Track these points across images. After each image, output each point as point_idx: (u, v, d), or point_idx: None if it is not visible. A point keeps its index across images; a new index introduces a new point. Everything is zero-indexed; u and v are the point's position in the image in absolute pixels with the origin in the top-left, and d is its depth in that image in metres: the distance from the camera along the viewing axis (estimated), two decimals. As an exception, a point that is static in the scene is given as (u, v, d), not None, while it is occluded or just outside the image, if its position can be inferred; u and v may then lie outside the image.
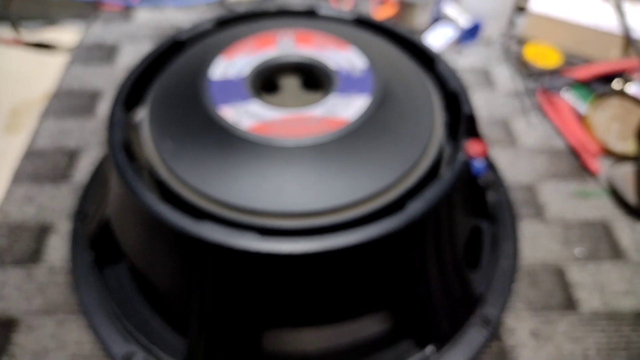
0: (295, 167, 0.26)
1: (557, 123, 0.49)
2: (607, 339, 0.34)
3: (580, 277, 0.37)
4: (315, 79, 0.32)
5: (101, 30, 0.59)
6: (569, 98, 0.51)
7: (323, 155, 0.26)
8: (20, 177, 0.42)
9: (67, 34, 0.58)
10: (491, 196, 0.34)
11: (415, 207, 0.25)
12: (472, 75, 0.55)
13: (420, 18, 0.57)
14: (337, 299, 0.26)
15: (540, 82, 0.53)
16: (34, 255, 0.36)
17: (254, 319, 0.26)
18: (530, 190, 0.43)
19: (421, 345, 0.31)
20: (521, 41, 0.59)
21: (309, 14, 0.38)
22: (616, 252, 0.39)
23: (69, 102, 0.49)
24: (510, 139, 0.48)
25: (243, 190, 0.25)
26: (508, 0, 0.58)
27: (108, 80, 0.52)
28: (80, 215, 0.38)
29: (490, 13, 0.58)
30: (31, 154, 0.44)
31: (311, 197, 0.25)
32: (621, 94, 0.50)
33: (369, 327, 0.31)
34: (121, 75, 0.53)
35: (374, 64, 0.31)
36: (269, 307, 0.26)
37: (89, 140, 0.45)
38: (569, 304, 0.36)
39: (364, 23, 0.37)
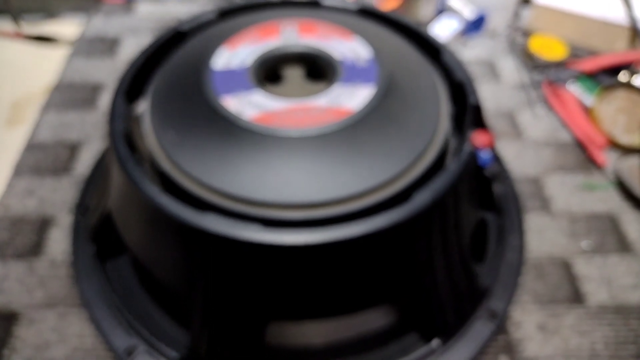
0: (299, 157, 0.25)
1: (563, 115, 0.48)
2: (614, 333, 0.33)
3: (587, 270, 0.37)
4: (319, 69, 0.31)
5: (102, 23, 0.58)
6: (575, 90, 0.51)
7: (327, 145, 0.26)
8: (21, 170, 0.42)
9: (68, 27, 0.58)
10: (497, 188, 0.34)
11: (421, 198, 0.24)
12: (477, 68, 0.54)
13: (424, 10, 0.56)
14: (341, 291, 0.26)
15: (545, 75, 0.52)
16: (35, 249, 0.36)
17: (257, 312, 0.26)
18: (536, 183, 0.43)
19: (427, 339, 0.31)
20: (526, 33, 0.58)
21: (313, 4, 0.37)
22: (623, 245, 0.39)
23: (70, 95, 0.49)
24: (515, 131, 0.47)
25: (246, 181, 0.24)
26: (513, -9, 0.57)
27: (109, 73, 0.52)
28: (81, 208, 0.37)
29: (496, 5, 0.57)
30: (32, 147, 0.44)
31: (315, 188, 0.24)
32: (628, 86, 0.49)
33: (374, 320, 0.30)
34: (122, 68, 0.52)
35: (379, 54, 0.31)
36: (273, 300, 0.25)
37: (90, 133, 0.45)
38: (576, 297, 0.35)
39: (368, 13, 0.37)
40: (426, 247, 0.26)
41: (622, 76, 0.53)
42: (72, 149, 0.43)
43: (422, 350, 0.30)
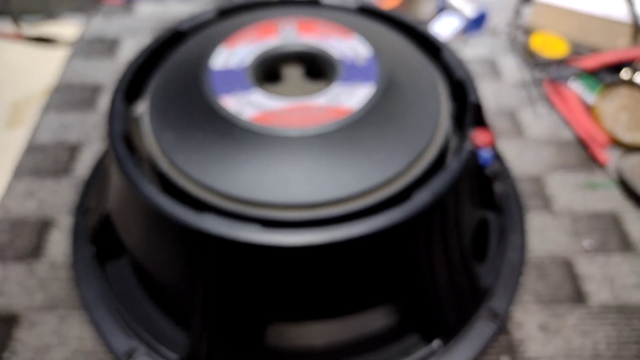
0: (298, 157, 0.25)
1: (564, 113, 0.48)
2: (617, 333, 0.33)
3: (590, 269, 0.37)
4: (318, 68, 0.31)
5: (102, 24, 0.58)
6: (577, 88, 0.50)
7: (327, 145, 0.25)
8: (21, 171, 0.42)
9: (67, 28, 0.58)
10: (498, 187, 0.33)
11: (421, 198, 0.24)
12: (478, 66, 0.54)
13: (425, 8, 0.56)
14: (342, 292, 0.25)
15: (547, 72, 0.52)
16: (35, 251, 0.36)
17: (257, 313, 0.26)
18: (537, 182, 0.42)
19: (428, 339, 0.31)
20: (528, 31, 0.58)
21: (312, 3, 0.37)
22: (626, 245, 0.38)
23: (70, 96, 0.49)
24: (517, 129, 0.47)
25: (245, 182, 0.24)
26: (514, -11, 0.57)
27: (109, 74, 0.52)
28: (81, 209, 0.37)
29: (496, 3, 0.57)
30: (32, 149, 0.44)
31: (315, 188, 0.24)
32: (630, 83, 0.48)
33: (375, 321, 0.30)
34: (122, 68, 0.52)
35: (379, 53, 0.30)
36: (273, 301, 0.25)
37: (90, 135, 0.45)
38: (578, 297, 0.35)
39: (368, 12, 0.37)
40: (426, 247, 0.26)
41: (624, 73, 0.52)
42: (72, 151, 0.43)
43: (423, 351, 0.30)
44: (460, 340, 0.31)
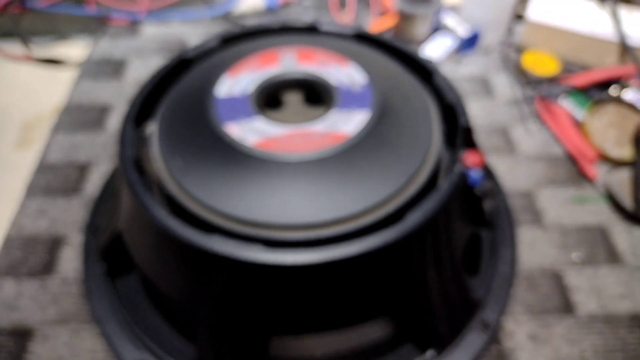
0: (298, 181, 0.27)
1: (554, 130, 0.50)
2: (603, 342, 0.35)
3: (578, 281, 0.38)
4: (317, 94, 0.33)
5: (109, 45, 0.60)
6: (567, 105, 0.52)
7: (325, 169, 0.27)
8: (32, 190, 0.44)
9: (75, 49, 0.60)
10: (489, 204, 0.35)
11: (413, 218, 0.26)
12: (471, 84, 0.56)
13: (420, 28, 0.58)
14: (340, 306, 0.27)
15: (538, 90, 0.54)
16: (48, 267, 0.38)
17: (261, 327, 0.27)
18: (528, 197, 0.44)
19: (422, 349, 0.32)
20: (519, 49, 0.60)
21: (311, 30, 0.39)
22: (613, 257, 0.40)
23: (78, 116, 0.51)
24: (509, 146, 0.49)
25: (249, 204, 0.26)
26: (506, 9, 0.59)
27: (116, 94, 0.54)
28: (91, 227, 0.39)
29: (489, 22, 0.59)
30: (43, 168, 0.46)
31: (314, 210, 0.26)
32: (618, 100, 0.50)
33: (372, 332, 0.32)
34: (129, 89, 0.54)
35: (374, 79, 0.32)
36: (275, 315, 0.27)
37: (99, 154, 0.47)
38: (567, 307, 0.37)
39: (363, 38, 0.39)
40: (419, 263, 0.28)
41: (613, 91, 0.54)
42: (82, 170, 0.45)
43: (418, 361, 0.31)
44: (453, 350, 0.32)
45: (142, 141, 0.32)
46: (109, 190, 0.42)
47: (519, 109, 0.53)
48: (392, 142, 0.29)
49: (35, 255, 0.39)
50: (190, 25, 0.64)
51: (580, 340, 0.35)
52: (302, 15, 0.66)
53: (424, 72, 0.36)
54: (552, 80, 0.54)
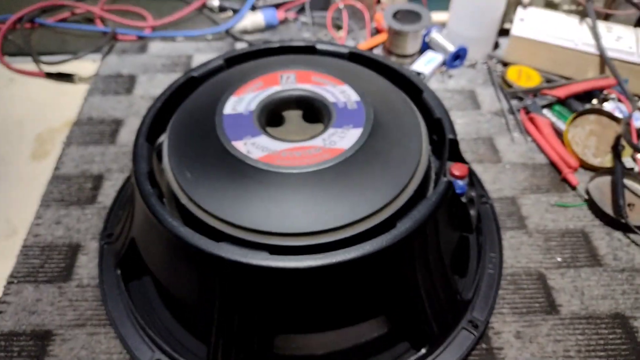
0: (299, 191, 0.29)
1: (538, 140, 0.53)
2: (586, 340, 0.37)
3: (561, 282, 0.41)
4: (315, 111, 0.36)
5: (117, 61, 0.63)
6: (550, 116, 0.55)
7: (323, 180, 0.30)
8: (48, 201, 0.46)
9: (85, 65, 0.63)
10: (475, 210, 0.38)
11: (404, 226, 0.28)
12: (459, 97, 0.59)
13: (410, 45, 0.61)
14: (339, 306, 0.30)
15: (522, 102, 0.57)
16: (65, 274, 0.40)
17: (266, 326, 0.30)
18: (513, 203, 0.47)
19: (416, 348, 0.35)
20: (505, 63, 0.63)
21: (309, 50, 0.42)
22: (595, 260, 0.43)
23: (89, 129, 0.54)
24: (495, 155, 0.52)
25: (254, 214, 0.29)
26: (492, 25, 0.62)
27: (125, 108, 0.56)
28: (106, 235, 0.42)
29: (476, 38, 0.62)
30: (57, 179, 0.48)
31: (314, 218, 0.28)
32: (598, 110, 0.54)
33: (369, 331, 0.34)
34: (137, 103, 0.57)
35: (367, 97, 0.35)
36: (280, 315, 0.30)
37: (111, 166, 0.49)
38: (551, 308, 0.39)
39: (358, 57, 0.42)
40: (410, 266, 0.30)
41: (593, 102, 0.57)
42: (95, 181, 0.48)
43: (412, 358, 0.34)
44: (445, 348, 0.35)
45: (154, 154, 0.34)
46: (121, 200, 0.44)
47: (504, 120, 0.56)
48: (384, 155, 0.32)
49: (52, 263, 0.41)
50: (194, 42, 0.67)
51: (564, 340, 0.37)
52: (299, 32, 0.70)
53: (414, 88, 0.39)
54: (536, 92, 0.58)
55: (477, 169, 0.50)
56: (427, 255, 0.31)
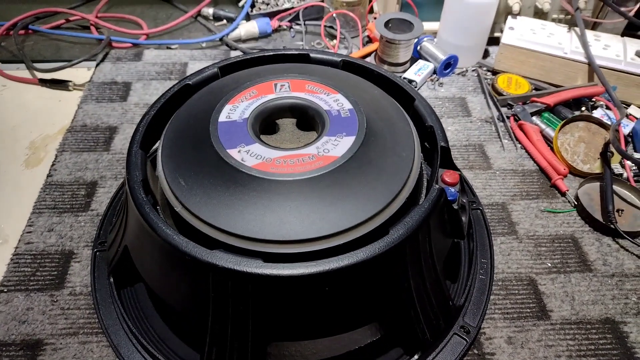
0: (293, 199, 0.30)
1: (528, 146, 0.54)
2: (577, 346, 0.38)
3: (552, 288, 0.41)
4: (308, 119, 0.36)
5: (112, 68, 0.63)
6: (539, 123, 0.56)
7: (317, 187, 0.30)
8: (40, 208, 0.46)
9: (79, 72, 0.63)
10: (467, 216, 0.38)
11: (397, 233, 0.29)
12: (450, 104, 0.60)
13: (402, 53, 0.62)
14: (332, 314, 0.30)
15: (512, 109, 0.58)
16: (57, 281, 0.40)
17: (260, 333, 0.30)
18: (504, 209, 0.48)
19: (409, 354, 0.35)
20: (494, 71, 0.64)
21: (302, 58, 0.43)
22: (585, 265, 0.43)
23: (83, 136, 0.54)
24: (485, 162, 0.53)
25: (248, 221, 0.29)
26: (482, 34, 0.63)
27: (120, 115, 0.57)
28: (99, 243, 0.41)
29: (467, 47, 0.63)
30: (50, 186, 0.48)
31: (307, 226, 0.29)
32: (587, 117, 0.55)
33: (362, 337, 0.35)
34: (132, 110, 0.57)
35: (360, 105, 0.36)
36: (273, 322, 0.30)
37: (104, 173, 0.49)
38: (542, 313, 0.40)
39: (351, 65, 0.42)
40: (403, 273, 0.31)
41: (582, 109, 0.59)
42: (88, 188, 0.48)
43: (405, 363, 0.34)
44: (437, 354, 0.35)
45: (148, 162, 0.34)
46: (114, 208, 0.44)
47: (494, 127, 0.57)
48: (377, 163, 0.32)
49: (44, 271, 0.41)
50: (189, 50, 0.67)
51: (556, 344, 0.38)
52: (293, 40, 0.70)
53: (406, 96, 0.40)
54: (525, 100, 0.59)
55: (468, 175, 0.51)
56: (420, 262, 0.31)
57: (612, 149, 0.50)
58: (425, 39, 0.64)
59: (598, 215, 0.46)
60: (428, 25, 0.66)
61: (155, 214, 0.30)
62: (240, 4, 0.73)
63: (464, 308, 0.37)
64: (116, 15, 0.73)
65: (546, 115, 0.58)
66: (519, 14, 0.65)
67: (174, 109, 0.38)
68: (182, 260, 0.28)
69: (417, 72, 0.61)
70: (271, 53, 0.43)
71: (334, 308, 0.30)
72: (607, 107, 0.58)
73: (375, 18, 0.69)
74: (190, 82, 0.40)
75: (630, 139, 0.55)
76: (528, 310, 0.40)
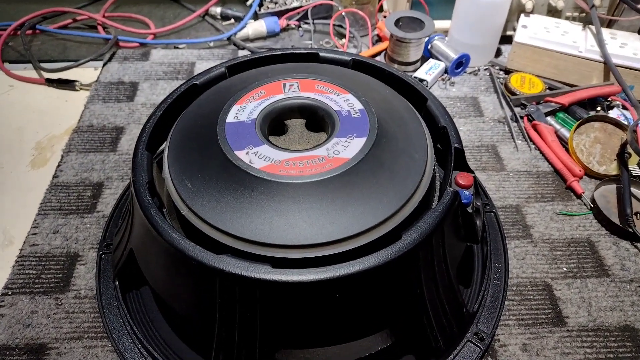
0: (303, 202, 0.29)
1: (542, 147, 0.52)
2: (595, 354, 0.36)
3: (568, 293, 0.40)
4: (318, 120, 0.35)
5: (119, 68, 0.63)
6: (553, 123, 0.55)
7: (327, 190, 0.29)
8: (46, 209, 0.45)
9: (86, 72, 0.63)
10: (480, 220, 0.37)
11: (410, 237, 0.28)
12: (462, 104, 0.59)
13: (413, 52, 0.61)
14: (343, 321, 0.29)
15: (525, 109, 0.56)
16: (62, 284, 0.40)
17: (268, 340, 0.29)
18: (518, 212, 0.46)
19: (421, 361, 0.34)
20: (507, 70, 0.63)
21: (311, 57, 0.42)
22: (602, 270, 0.42)
23: (89, 137, 0.53)
24: (498, 163, 0.51)
25: (257, 225, 0.28)
26: (495, 32, 0.62)
27: (126, 115, 0.56)
28: (104, 245, 0.41)
29: (479, 45, 0.62)
30: (56, 187, 0.48)
31: (317, 230, 0.28)
32: (603, 117, 0.53)
33: (373, 344, 0.34)
34: (139, 110, 0.57)
35: (371, 106, 0.35)
36: (282, 329, 0.29)
37: (111, 174, 0.49)
38: (558, 319, 0.38)
39: (361, 64, 0.41)
40: (416, 279, 0.30)
41: (597, 109, 0.57)
42: (94, 189, 0.47)
43: (417, 372, 0.33)
44: (451, 362, 0.34)
45: (154, 163, 0.34)
46: (121, 209, 0.44)
47: (508, 128, 0.55)
48: (389, 165, 0.31)
49: (49, 273, 0.40)
50: (196, 49, 0.67)
51: (572, 352, 0.36)
52: (301, 39, 0.69)
53: (418, 96, 0.38)
54: (539, 100, 0.57)
55: (481, 177, 0.49)
56: (433, 267, 0.30)
57: (630, 150, 0.49)
58: (436, 37, 0.63)
59: (615, 219, 0.45)
60: (439, 24, 0.65)
61: (161, 217, 0.29)
62: (248, 3, 0.72)
63: (477, 314, 0.36)
64: (123, 15, 0.73)
65: (560, 115, 0.56)
66: (532, 11, 0.64)
67: (180, 109, 0.37)
68: (188, 265, 0.28)
69: (428, 72, 0.60)
70: (280, 52, 0.42)
71: (344, 315, 0.29)
72: (624, 107, 0.56)
73: (385, 16, 0.68)
74: (197, 82, 0.39)
75: (648, 140, 0.53)
76: (543, 316, 0.38)
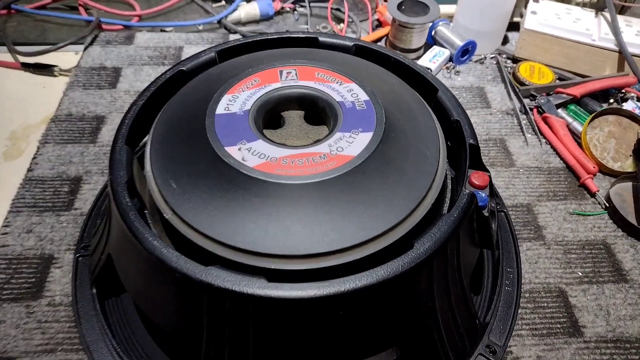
0: (302, 206, 0.26)
1: (553, 142, 0.49)
2: (614, 366, 0.34)
3: (584, 300, 0.37)
4: (319, 111, 0.32)
5: (101, 52, 0.58)
6: (565, 116, 0.52)
7: (329, 192, 0.26)
8: (18, 206, 0.42)
9: (66, 57, 0.58)
10: (496, 223, 0.34)
11: (423, 246, 0.25)
12: (468, 94, 0.55)
13: (416, 38, 0.57)
14: (346, 340, 0.26)
15: (535, 100, 0.53)
16: (34, 290, 0.36)
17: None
18: (530, 211, 0.43)
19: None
20: (515, 59, 0.59)
21: (310, 42, 0.38)
22: (619, 275, 0.39)
23: (68, 127, 0.49)
24: (507, 158, 0.48)
25: (249, 232, 0.25)
26: (502, 18, 0.58)
27: (108, 103, 0.52)
28: (81, 247, 0.37)
29: (485, 32, 0.58)
30: (30, 182, 0.44)
31: (318, 238, 0.24)
32: (617, 110, 0.50)
33: (377, 359, 0.31)
34: (122, 98, 0.53)
35: (377, 97, 0.31)
36: (278, 349, 0.26)
37: (90, 168, 0.45)
38: (574, 329, 0.36)
39: (364, 50, 0.38)
40: (429, 292, 0.27)
41: (612, 101, 0.54)
42: (72, 184, 0.43)
43: (426, 388, 0.30)
44: (461, 377, 0.31)
45: (135, 160, 0.30)
46: (100, 207, 0.40)
47: (516, 120, 0.52)
48: (398, 164, 0.28)
49: (20, 278, 0.37)
50: (184, 33, 0.62)
51: (590, 364, 0.34)
52: (297, 24, 0.65)
53: (427, 86, 0.35)
54: (549, 91, 0.54)
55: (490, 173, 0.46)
56: (447, 278, 0.27)
57: (647, 145, 0.46)
58: (440, 23, 0.59)
59: (632, 219, 0.42)
60: (444, 8, 0.61)
61: (141, 222, 0.26)
62: (240, -17, 0.68)
63: (490, 325, 0.33)
64: (106, -5, 0.68)
65: (572, 107, 0.53)
66: (542, -4, 0.60)
67: (165, 98, 0.33)
68: (171, 277, 0.24)
69: (432, 59, 0.56)
70: (275, 36, 0.38)
71: (348, 333, 0.26)
72: (639, 99, 0.53)
73: (386, 0, 0.64)
74: (184, 68, 0.35)
75: (664, 135, 0.50)
76: (558, 325, 0.36)
